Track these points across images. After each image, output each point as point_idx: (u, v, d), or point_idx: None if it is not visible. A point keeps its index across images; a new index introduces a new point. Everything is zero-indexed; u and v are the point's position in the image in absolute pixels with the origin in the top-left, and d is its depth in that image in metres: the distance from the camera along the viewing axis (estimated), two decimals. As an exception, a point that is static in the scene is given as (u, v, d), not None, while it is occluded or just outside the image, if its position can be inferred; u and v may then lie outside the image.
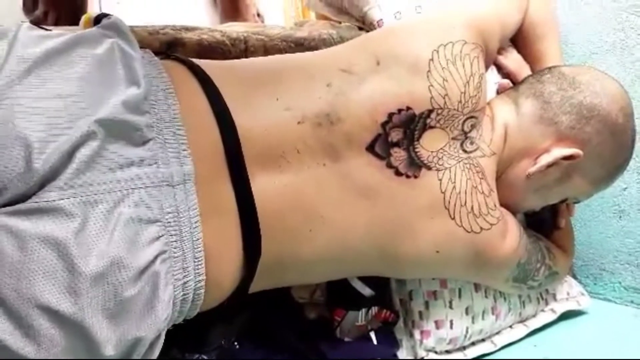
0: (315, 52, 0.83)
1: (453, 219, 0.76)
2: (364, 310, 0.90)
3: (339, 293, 0.89)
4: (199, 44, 0.80)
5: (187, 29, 0.82)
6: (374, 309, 0.90)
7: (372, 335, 0.90)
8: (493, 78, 0.96)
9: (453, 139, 0.78)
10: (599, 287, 1.15)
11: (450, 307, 0.90)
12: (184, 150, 0.60)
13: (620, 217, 1.10)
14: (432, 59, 0.77)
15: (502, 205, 0.83)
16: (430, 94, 0.76)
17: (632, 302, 1.11)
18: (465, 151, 0.79)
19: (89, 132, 0.54)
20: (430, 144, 0.76)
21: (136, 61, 0.60)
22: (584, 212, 1.14)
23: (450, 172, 0.77)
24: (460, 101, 0.78)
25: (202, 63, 0.70)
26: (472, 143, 0.80)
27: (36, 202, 0.51)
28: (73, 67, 0.56)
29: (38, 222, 0.50)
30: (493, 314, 0.94)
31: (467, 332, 0.91)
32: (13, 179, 0.51)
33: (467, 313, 0.91)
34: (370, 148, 0.73)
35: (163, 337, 0.59)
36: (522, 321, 1.00)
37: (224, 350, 0.80)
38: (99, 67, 0.58)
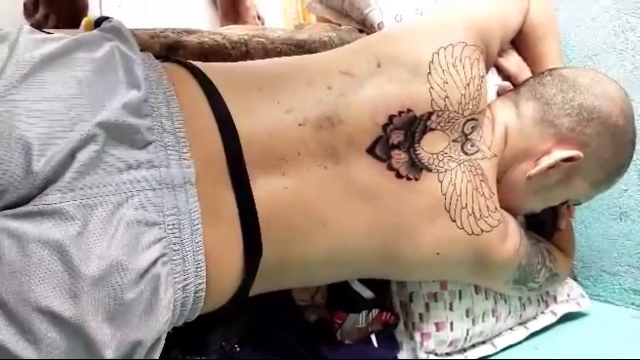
0: (316, 54, 0.83)
1: (454, 221, 0.76)
2: (364, 312, 0.90)
3: (340, 295, 0.89)
4: (199, 47, 0.80)
5: (188, 32, 0.82)
6: (375, 312, 0.90)
7: (373, 337, 0.90)
8: (493, 80, 0.96)
9: (454, 141, 0.78)
10: (600, 289, 1.15)
11: (451, 309, 0.90)
12: (185, 153, 0.60)
13: (620, 219, 1.10)
14: (432, 61, 0.77)
15: (502, 207, 0.83)
16: (431, 96, 0.76)
17: (632, 304, 1.11)
18: (465, 153, 0.79)
19: (90, 135, 0.54)
20: (431, 146, 0.76)
21: (137, 64, 0.60)
22: (585, 214, 1.14)
23: (451, 174, 0.77)
24: (461, 103, 0.78)
25: (203, 66, 0.70)
26: (472, 145, 0.80)
27: (37, 205, 0.51)
28: (74, 70, 0.56)
29: (39, 225, 0.51)
30: (493, 316, 0.94)
31: (467, 334, 0.91)
32: (14, 182, 0.51)
33: (467, 315, 0.91)
34: (371, 150, 0.73)
35: (163, 339, 0.59)
36: (522, 323, 1.00)
37: (225, 352, 0.80)
38: (100, 71, 0.58)
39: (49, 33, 0.62)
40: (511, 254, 0.83)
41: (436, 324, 0.90)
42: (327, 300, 0.91)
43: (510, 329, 0.99)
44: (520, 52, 0.99)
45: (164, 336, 0.59)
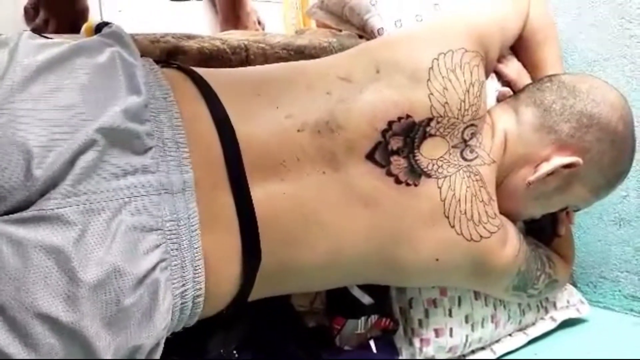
0: (316, 60, 0.83)
1: (453, 227, 0.76)
2: (363, 318, 0.90)
3: (339, 301, 0.89)
4: (199, 52, 0.80)
5: (188, 37, 0.82)
6: (374, 318, 0.90)
7: (372, 343, 0.90)
8: (493, 86, 0.96)
9: (453, 147, 0.78)
10: (599, 295, 1.15)
11: (450, 315, 0.90)
12: (185, 158, 0.60)
13: (620, 225, 1.10)
14: (432, 68, 0.77)
15: (502, 213, 0.83)
16: (430, 102, 0.76)
17: (631, 310, 1.11)
18: (465, 159, 0.79)
19: (90, 140, 0.54)
20: (430, 152, 0.77)
21: (137, 69, 0.60)
22: (584, 220, 1.14)
23: (450, 180, 0.77)
24: (460, 109, 0.78)
25: (203, 71, 0.70)
26: (472, 151, 0.80)
27: (36, 210, 0.51)
28: (74, 76, 0.56)
29: (38, 230, 0.50)
30: (493, 322, 0.94)
31: (466, 340, 0.91)
32: (14, 187, 0.51)
33: (466, 321, 0.91)
34: (370, 156, 0.73)
35: (162, 345, 0.59)
36: (521, 329, 1.00)
37: (224, 358, 0.79)
38: (100, 76, 0.58)
39: (49, 38, 0.62)
40: (510, 260, 0.83)
41: (435, 330, 0.90)
42: (326, 305, 0.91)
43: (510, 335, 0.99)
44: (519, 57, 1.00)
45: (163, 341, 0.59)
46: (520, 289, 0.89)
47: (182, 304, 0.59)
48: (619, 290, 1.12)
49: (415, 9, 0.96)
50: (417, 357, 0.90)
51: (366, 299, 0.89)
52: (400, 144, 0.74)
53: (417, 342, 0.90)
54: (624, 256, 1.10)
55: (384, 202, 0.73)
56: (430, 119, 0.76)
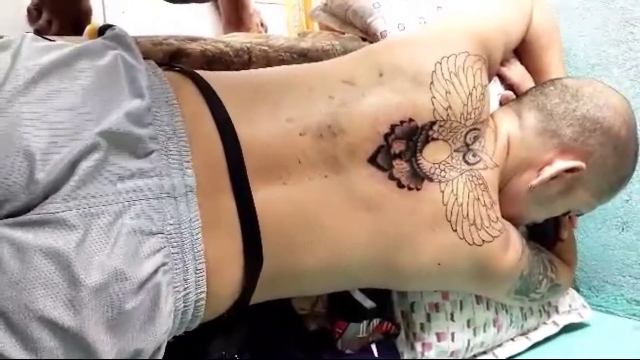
0: (318, 63, 0.83)
1: (455, 231, 0.76)
2: (365, 322, 0.90)
3: (340, 305, 0.89)
4: (202, 55, 0.80)
5: (191, 39, 0.82)
6: (376, 321, 0.90)
7: (374, 347, 0.90)
8: (496, 89, 0.96)
9: (455, 151, 0.78)
10: (601, 300, 1.14)
11: (452, 319, 0.90)
12: (187, 162, 0.60)
13: (622, 229, 1.10)
14: (435, 71, 0.77)
15: (504, 217, 0.82)
16: (433, 106, 0.75)
17: (634, 314, 1.10)
18: (467, 163, 0.79)
19: (92, 144, 0.54)
20: (432, 155, 0.76)
21: (140, 73, 0.60)
22: (587, 224, 1.14)
23: (452, 184, 0.76)
24: (463, 113, 0.78)
25: (206, 75, 0.70)
26: (474, 155, 0.80)
27: (38, 214, 0.51)
28: (76, 79, 0.56)
29: (40, 234, 0.50)
30: (495, 326, 0.93)
31: (468, 344, 0.91)
32: (16, 191, 0.51)
33: (468, 325, 0.91)
34: (373, 160, 0.73)
35: (163, 349, 0.59)
36: (524, 334, 1.00)
37: (225, 361, 0.79)
38: (103, 79, 0.58)
39: (52, 40, 0.62)
40: (512, 264, 0.83)
41: (437, 334, 0.89)
42: (328, 309, 0.91)
43: (512, 339, 0.99)
44: (523, 61, 1.00)
45: (164, 345, 0.59)
46: (523, 293, 0.89)
47: (183, 307, 0.59)
48: (622, 295, 1.11)
49: (419, 11, 0.96)
50: (419, 361, 0.90)
51: (368, 303, 0.89)
52: (402, 148, 0.74)
53: (418, 346, 0.90)
54: (626, 260, 1.10)
55: (386, 206, 0.73)
56: (433, 123, 0.75)
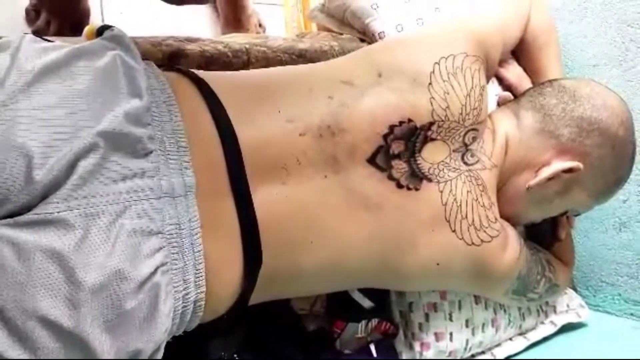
0: (317, 64, 0.83)
1: (454, 231, 0.76)
2: (364, 322, 0.90)
3: (339, 305, 0.89)
4: (201, 56, 0.80)
5: (190, 40, 0.82)
6: (374, 321, 0.90)
7: (372, 347, 0.90)
8: (494, 90, 0.96)
9: (454, 151, 0.78)
10: (599, 299, 1.15)
11: (450, 319, 0.90)
12: (186, 162, 0.60)
13: (620, 229, 1.10)
14: (433, 72, 0.77)
15: (502, 217, 0.83)
16: (432, 106, 0.76)
17: (632, 314, 1.10)
18: (466, 163, 0.79)
19: (91, 144, 0.54)
20: (431, 156, 0.77)
21: (138, 73, 0.60)
22: (584, 224, 1.14)
23: (451, 184, 0.77)
24: (462, 114, 0.78)
25: (204, 75, 0.70)
26: (473, 155, 0.80)
27: (37, 214, 0.51)
28: (75, 80, 0.56)
29: (39, 234, 0.50)
30: (493, 326, 0.94)
31: (467, 344, 0.91)
32: (14, 191, 0.51)
33: (467, 325, 0.91)
34: (372, 160, 0.73)
35: (162, 349, 0.59)
36: (522, 333, 1.00)
37: (224, 361, 0.79)
38: (101, 80, 0.58)
39: (51, 41, 0.62)
40: (511, 264, 0.83)
41: (436, 334, 0.89)
42: (327, 309, 0.91)
43: (510, 339, 0.99)
44: (520, 61, 1.00)
45: (163, 345, 0.59)
46: (521, 293, 0.89)
47: (183, 307, 0.59)
48: (619, 295, 1.12)
49: (417, 13, 0.96)
50: (417, 361, 0.90)
51: (367, 303, 0.89)
52: (401, 148, 0.74)
53: (417, 346, 0.90)
54: (624, 260, 1.10)
55: (385, 206, 0.73)
56: (431, 123, 0.76)
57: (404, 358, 0.91)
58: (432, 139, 0.76)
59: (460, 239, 0.77)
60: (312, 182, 0.70)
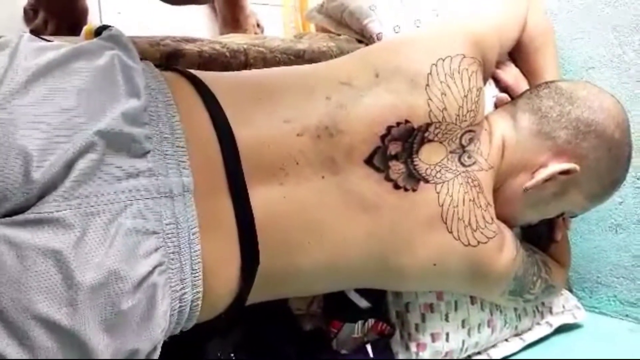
0: (315, 64, 0.83)
1: (450, 232, 0.77)
2: (360, 322, 0.90)
3: (336, 305, 0.89)
4: (199, 56, 0.80)
5: (187, 40, 0.82)
6: (371, 322, 0.90)
7: (369, 347, 0.90)
8: (491, 92, 0.96)
9: (451, 152, 0.79)
10: (595, 301, 1.15)
11: (447, 319, 0.90)
12: (183, 162, 0.60)
13: (616, 230, 1.11)
14: (430, 73, 0.77)
15: (498, 218, 0.83)
16: (429, 107, 0.76)
17: (627, 316, 1.11)
18: (463, 165, 0.79)
19: (89, 143, 0.54)
20: (428, 157, 0.77)
21: (136, 73, 0.61)
22: (580, 226, 1.14)
23: (448, 185, 0.77)
24: (459, 115, 0.78)
25: (202, 75, 0.70)
26: (469, 157, 0.80)
27: (35, 213, 0.51)
28: (73, 79, 0.56)
29: (37, 233, 0.50)
30: (489, 326, 0.94)
31: (463, 345, 0.91)
32: (12, 190, 0.51)
33: (463, 326, 0.91)
34: (369, 161, 0.73)
35: (159, 349, 0.59)
36: (518, 334, 1.00)
37: (221, 361, 0.80)
38: (99, 79, 0.58)
39: (49, 41, 0.62)
40: (507, 265, 0.83)
41: (432, 335, 0.90)
42: (324, 309, 0.91)
43: (506, 340, 0.99)
44: (517, 63, 1.00)
45: (160, 345, 0.59)
46: (517, 294, 0.90)
47: (180, 307, 0.59)
48: (615, 296, 1.12)
49: (415, 14, 0.97)
50: (414, 362, 0.90)
51: (363, 303, 0.89)
52: (399, 149, 0.75)
53: (413, 347, 0.90)
54: (620, 262, 1.10)
55: (383, 207, 0.73)
56: (428, 125, 0.76)
57: (400, 358, 0.91)
58: (430, 140, 0.77)
59: (457, 240, 0.77)
60: (309, 183, 0.70)
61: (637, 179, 1.06)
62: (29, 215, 0.51)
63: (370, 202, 0.72)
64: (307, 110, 0.71)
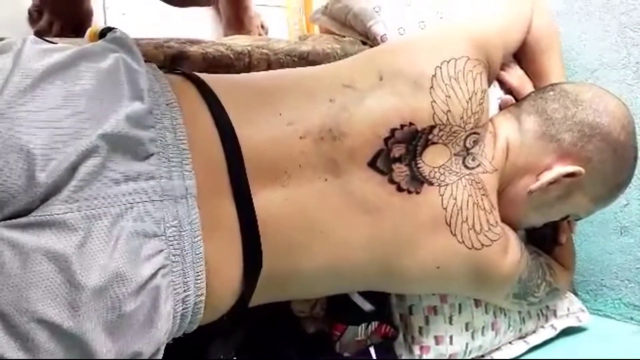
0: (319, 66, 0.83)
1: (454, 235, 0.76)
2: (363, 325, 0.90)
3: (339, 307, 0.89)
4: (203, 58, 0.80)
5: (192, 42, 0.82)
6: (374, 324, 0.90)
7: (372, 350, 0.90)
8: (495, 94, 0.96)
9: (455, 154, 0.78)
10: (599, 304, 1.15)
11: (450, 322, 0.90)
12: (187, 164, 0.60)
13: (621, 233, 1.10)
14: (435, 75, 0.77)
15: (503, 221, 0.83)
16: (433, 110, 0.76)
17: (632, 319, 1.10)
18: (467, 167, 0.79)
19: (93, 146, 0.54)
20: (432, 159, 0.77)
21: (140, 75, 0.61)
22: (585, 229, 1.14)
23: (452, 188, 0.77)
24: (463, 117, 0.78)
25: (206, 77, 0.70)
26: (474, 159, 0.80)
27: (38, 216, 0.51)
28: (77, 82, 0.56)
29: (40, 236, 0.50)
30: (493, 329, 0.94)
31: (466, 347, 0.91)
32: (16, 193, 0.51)
33: (467, 329, 0.91)
34: (372, 163, 0.73)
35: (162, 351, 0.59)
36: (522, 337, 1.00)
37: (223, 364, 0.80)
38: (104, 82, 0.58)
39: (53, 43, 0.62)
40: (511, 268, 0.83)
41: (436, 338, 0.89)
42: (327, 312, 0.91)
43: (510, 343, 0.99)
44: (522, 65, 1.00)
45: (163, 347, 0.59)
46: (521, 297, 0.89)
47: (183, 309, 0.59)
48: (620, 299, 1.12)
49: (419, 16, 0.96)
50: (417, 365, 0.90)
51: (367, 306, 0.89)
52: (402, 152, 0.74)
53: (417, 350, 0.90)
54: (624, 265, 1.10)
55: (386, 209, 0.73)
56: (432, 127, 0.76)
57: (403, 361, 0.91)
58: (433, 143, 0.76)
59: (461, 243, 0.77)
60: (312, 185, 0.70)
61: (643, 181, 1.06)
62: (32, 218, 0.51)
63: (373, 204, 0.72)
64: (310, 113, 0.71)
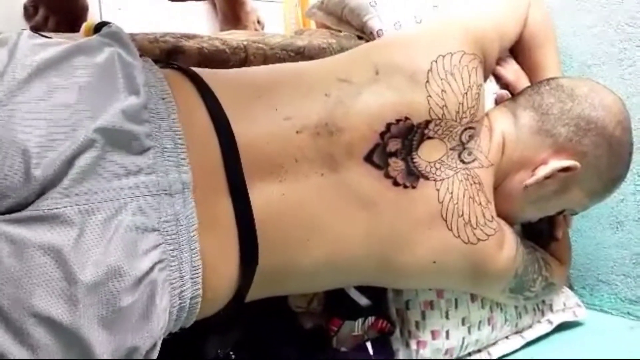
0: (315, 61, 0.83)
1: (450, 229, 0.76)
2: (360, 320, 0.90)
3: (336, 302, 0.89)
4: (199, 53, 0.80)
5: (187, 37, 0.82)
6: (371, 319, 0.90)
7: (369, 345, 0.90)
8: (491, 88, 0.96)
9: (451, 149, 0.78)
10: (595, 298, 1.15)
11: (447, 317, 0.90)
12: (183, 159, 0.60)
13: (617, 228, 1.11)
14: (430, 70, 0.77)
15: (499, 216, 0.83)
16: (429, 104, 0.76)
17: (628, 313, 1.11)
18: (463, 162, 0.79)
19: (89, 140, 0.54)
20: (428, 154, 0.77)
21: (136, 70, 0.60)
22: (581, 223, 1.14)
23: (448, 182, 0.77)
24: (459, 112, 0.78)
25: (202, 72, 0.70)
26: (470, 154, 0.80)
27: (35, 210, 0.51)
28: (73, 76, 0.56)
29: (36, 230, 0.50)
30: (489, 324, 0.94)
31: (463, 342, 0.91)
32: (12, 187, 0.51)
33: (463, 323, 0.91)
34: (369, 158, 0.73)
35: (159, 346, 0.59)
36: (518, 332, 1.00)
37: (220, 359, 0.79)
38: (99, 76, 0.58)
39: (49, 37, 0.62)
40: (507, 262, 0.83)
41: (432, 332, 0.90)
42: (324, 307, 0.91)
43: (506, 337, 0.99)
44: (518, 60, 1.00)
45: (160, 342, 0.59)
46: (517, 292, 0.89)
47: (179, 304, 0.59)
48: (616, 294, 1.12)
49: (415, 11, 0.96)
50: (414, 359, 0.90)
51: (363, 301, 0.89)
52: (398, 146, 0.74)
53: (413, 344, 0.90)
54: (620, 260, 1.10)
55: (382, 204, 0.73)
56: (428, 122, 0.76)
57: (400, 356, 0.91)
58: (429, 137, 0.77)
59: (457, 237, 0.77)
60: (309, 180, 0.70)
61: (638, 176, 1.06)
62: (28, 212, 0.51)
63: (369, 199, 0.72)
64: (306, 108, 0.71)
